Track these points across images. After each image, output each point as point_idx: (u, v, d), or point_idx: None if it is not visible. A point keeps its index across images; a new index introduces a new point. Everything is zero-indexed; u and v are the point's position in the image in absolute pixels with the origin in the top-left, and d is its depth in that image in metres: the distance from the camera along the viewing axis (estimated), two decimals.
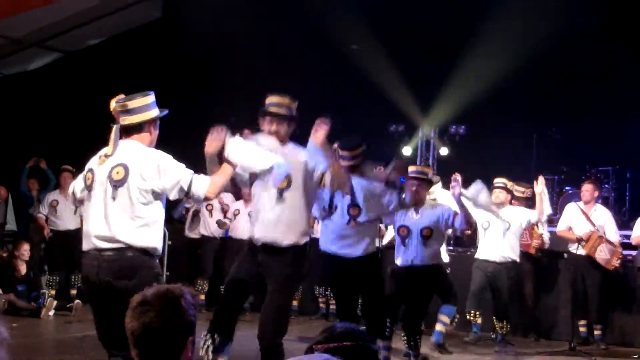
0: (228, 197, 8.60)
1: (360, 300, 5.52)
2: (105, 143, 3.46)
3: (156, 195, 3.32)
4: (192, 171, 3.38)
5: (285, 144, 4.08)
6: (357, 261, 4.87)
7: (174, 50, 9.90)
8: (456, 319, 6.39)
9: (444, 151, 8.65)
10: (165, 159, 3.33)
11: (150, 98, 3.43)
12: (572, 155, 8.85)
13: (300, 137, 4.32)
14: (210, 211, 8.52)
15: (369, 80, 8.86)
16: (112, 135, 3.39)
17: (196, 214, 8.70)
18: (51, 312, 7.80)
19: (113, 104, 3.47)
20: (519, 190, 6.95)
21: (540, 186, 6.46)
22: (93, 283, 3.30)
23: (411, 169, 5.52)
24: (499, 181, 6.64)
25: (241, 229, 7.79)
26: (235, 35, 9.48)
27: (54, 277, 8.34)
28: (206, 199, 3.42)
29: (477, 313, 6.75)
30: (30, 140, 10.41)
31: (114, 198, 3.28)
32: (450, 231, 6.14)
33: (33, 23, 9.98)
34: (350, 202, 4.83)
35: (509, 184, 6.69)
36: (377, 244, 5.40)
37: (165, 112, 3.50)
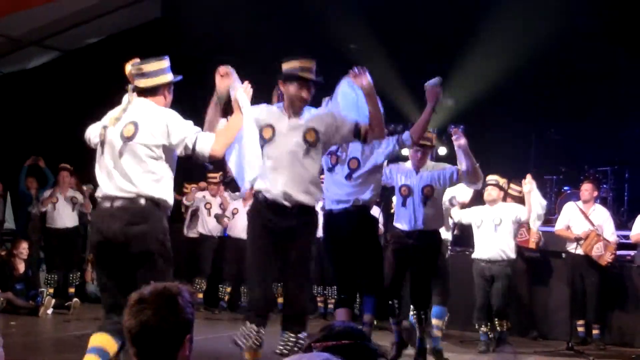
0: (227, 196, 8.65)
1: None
2: None
3: (166, 150, 3.44)
4: (198, 129, 3.49)
5: (303, 110, 3.95)
6: (350, 213, 4.79)
7: (174, 49, 9.94)
8: (447, 317, 6.41)
9: (442, 150, 8.67)
10: (174, 117, 3.47)
11: (166, 62, 3.58)
12: (571, 156, 8.90)
13: None
14: (209, 210, 8.61)
15: None
16: (126, 95, 3.55)
17: (194, 213, 8.80)
18: (49, 311, 7.90)
19: (128, 68, 3.61)
20: (515, 189, 6.97)
21: (527, 185, 6.45)
22: (105, 234, 3.40)
23: None
24: (491, 178, 6.67)
25: (240, 228, 7.80)
26: (235, 35, 9.53)
27: (52, 276, 8.42)
28: (211, 156, 3.47)
29: (487, 323, 6.75)
30: (28, 138, 10.53)
31: (123, 153, 3.43)
32: (452, 194, 6.09)
33: (32, 22, 10.08)
34: (350, 156, 4.81)
35: (502, 181, 6.73)
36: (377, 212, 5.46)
37: (180, 77, 3.64)
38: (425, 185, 5.28)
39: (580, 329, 7.11)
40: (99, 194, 3.50)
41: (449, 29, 9.17)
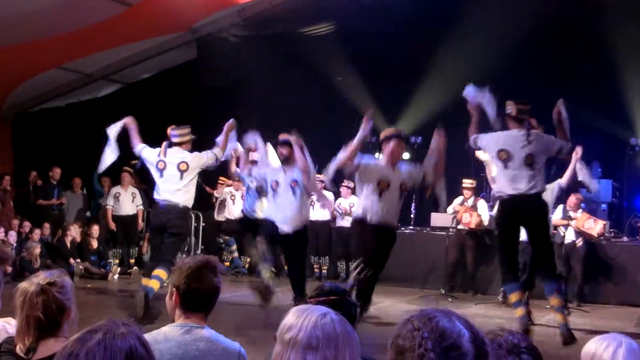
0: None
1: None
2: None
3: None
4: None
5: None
6: None
7: (205, 83, 9.74)
8: None
9: (405, 155, 8.80)
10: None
11: (188, 129, 5.33)
12: None
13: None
14: (233, 200, 8.55)
15: (349, 104, 8.77)
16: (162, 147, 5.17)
17: (222, 203, 8.73)
18: (115, 276, 8.01)
19: (169, 130, 5.29)
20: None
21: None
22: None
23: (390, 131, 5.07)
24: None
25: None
26: (252, 73, 9.24)
27: (117, 250, 8.41)
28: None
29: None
30: (99, 148, 10.45)
31: (182, 179, 5.21)
32: None
33: (101, 62, 10.05)
34: None
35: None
36: None
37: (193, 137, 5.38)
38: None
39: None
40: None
41: (410, 63, 8.97)
